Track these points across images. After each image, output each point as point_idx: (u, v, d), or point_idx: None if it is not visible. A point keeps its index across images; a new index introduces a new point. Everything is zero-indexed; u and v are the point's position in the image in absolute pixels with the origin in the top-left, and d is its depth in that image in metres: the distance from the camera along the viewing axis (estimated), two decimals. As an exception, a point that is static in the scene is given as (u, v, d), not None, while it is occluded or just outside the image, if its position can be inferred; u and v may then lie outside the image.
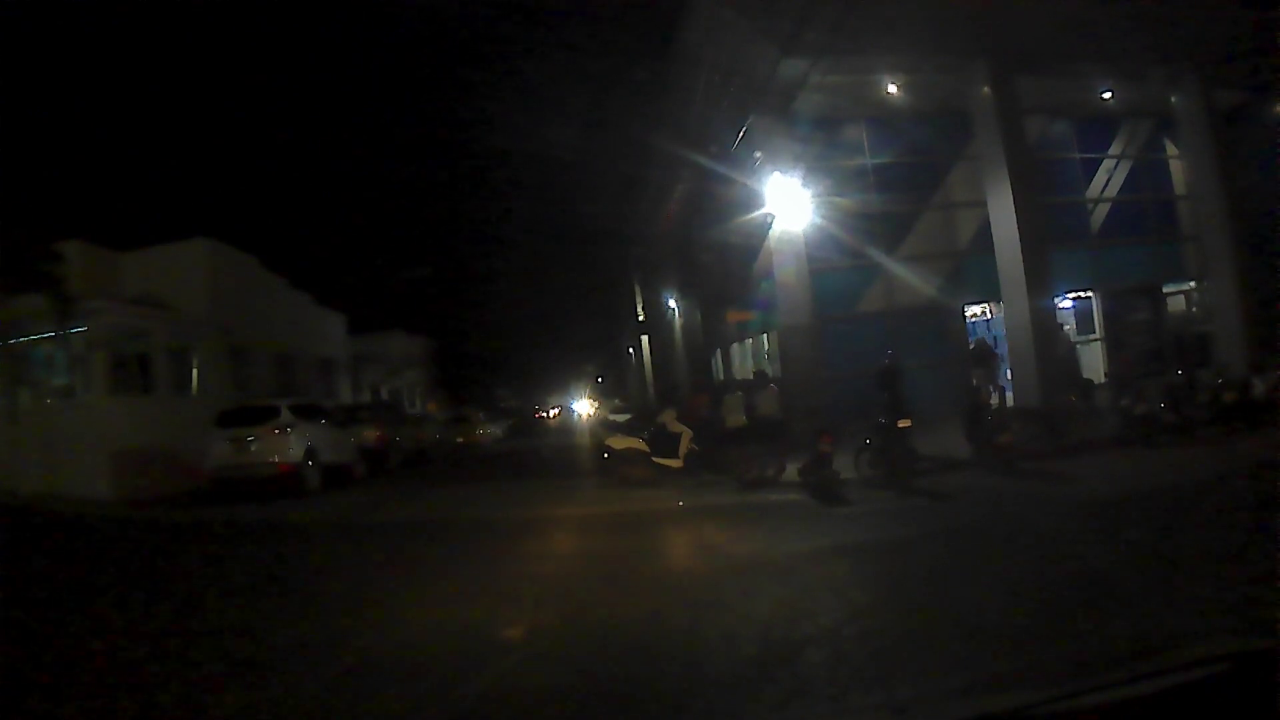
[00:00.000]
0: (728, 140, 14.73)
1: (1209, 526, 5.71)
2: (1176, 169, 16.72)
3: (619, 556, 6.90)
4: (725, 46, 14.37)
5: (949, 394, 12.29)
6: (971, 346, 13.71)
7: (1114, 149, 16.80)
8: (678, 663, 3.77)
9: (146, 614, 5.15)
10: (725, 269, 18.84)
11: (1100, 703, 1.33)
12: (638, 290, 31.99)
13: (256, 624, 4.88)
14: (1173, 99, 15.67)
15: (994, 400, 11.60)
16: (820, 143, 14.46)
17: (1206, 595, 4.02)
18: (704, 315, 22.34)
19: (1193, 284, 16.64)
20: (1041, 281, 13.39)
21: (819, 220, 13.58)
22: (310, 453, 12.22)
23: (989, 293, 14.59)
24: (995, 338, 14.90)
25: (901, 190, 15.12)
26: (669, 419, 12.01)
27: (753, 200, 14.08)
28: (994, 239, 13.74)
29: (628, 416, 20.11)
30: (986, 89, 13.57)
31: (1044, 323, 13.53)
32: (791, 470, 10.02)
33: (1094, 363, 15.43)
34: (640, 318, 32.15)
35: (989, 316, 15.66)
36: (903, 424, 9.56)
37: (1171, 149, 16.72)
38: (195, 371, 14.85)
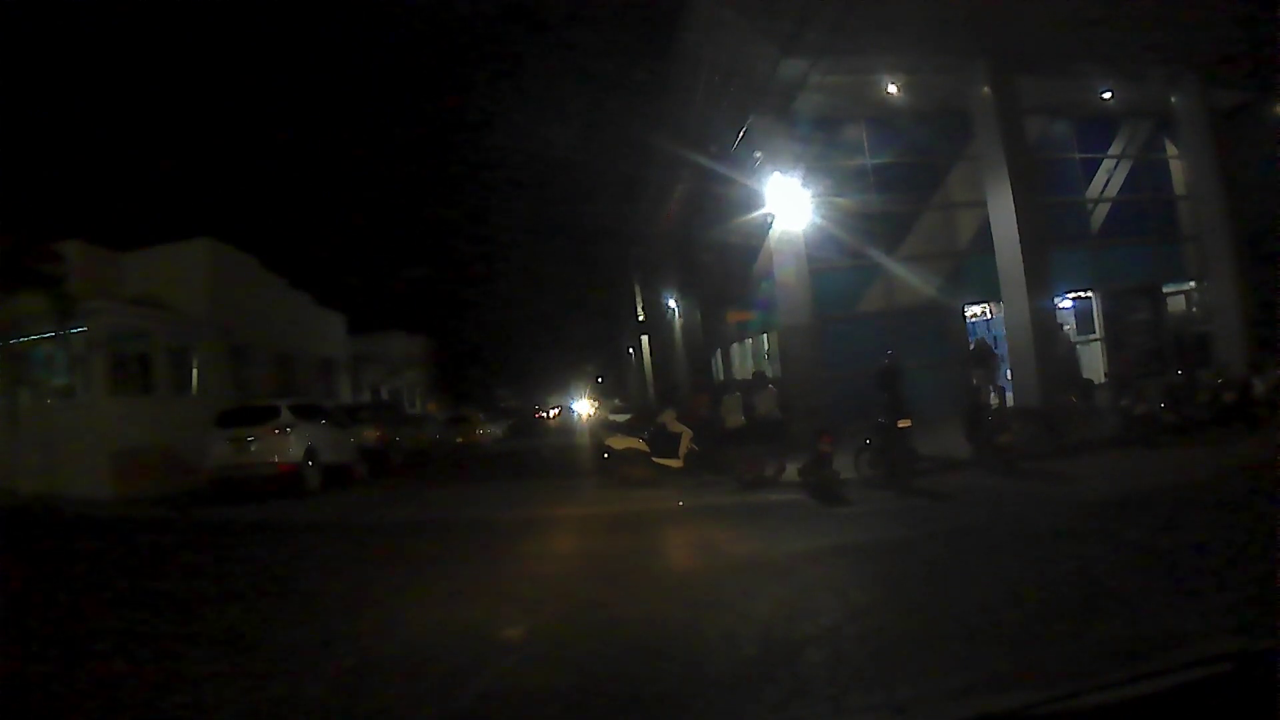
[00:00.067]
0: (728, 140, 14.73)
1: (1209, 526, 5.71)
2: (1176, 169, 16.72)
3: (619, 556, 6.90)
4: (725, 46, 14.36)
5: (949, 394, 12.29)
6: (971, 346, 13.69)
7: (1114, 149, 16.80)
8: (678, 663, 3.77)
9: (146, 614, 5.14)
10: (725, 269, 18.84)
11: (1100, 703, 1.32)
12: (638, 290, 32.00)
13: (257, 624, 4.88)
14: (1173, 99, 15.67)
15: (994, 400, 11.60)
16: (820, 143, 14.45)
17: (1206, 595, 4.02)
18: (704, 315, 22.34)
19: (1193, 284, 16.63)
20: (1041, 281, 13.39)
21: (819, 220, 13.57)
22: (310, 453, 12.21)
23: (989, 293, 14.59)
24: (995, 338, 14.89)
25: (901, 190, 15.12)
26: (669, 419, 12.01)
27: (753, 200, 14.07)
28: (994, 239, 13.74)
29: (628, 416, 20.10)
30: (986, 89, 13.57)
31: (1044, 323, 13.53)
32: (791, 470, 10.02)
33: (1094, 363, 15.42)
34: (640, 318, 32.16)
35: (989, 316, 15.66)
36: (903, 424, 9.56)
37: (1171, 149, 16.72)
38: (195, 371, 14.85)
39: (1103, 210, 16.58)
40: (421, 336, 34.77)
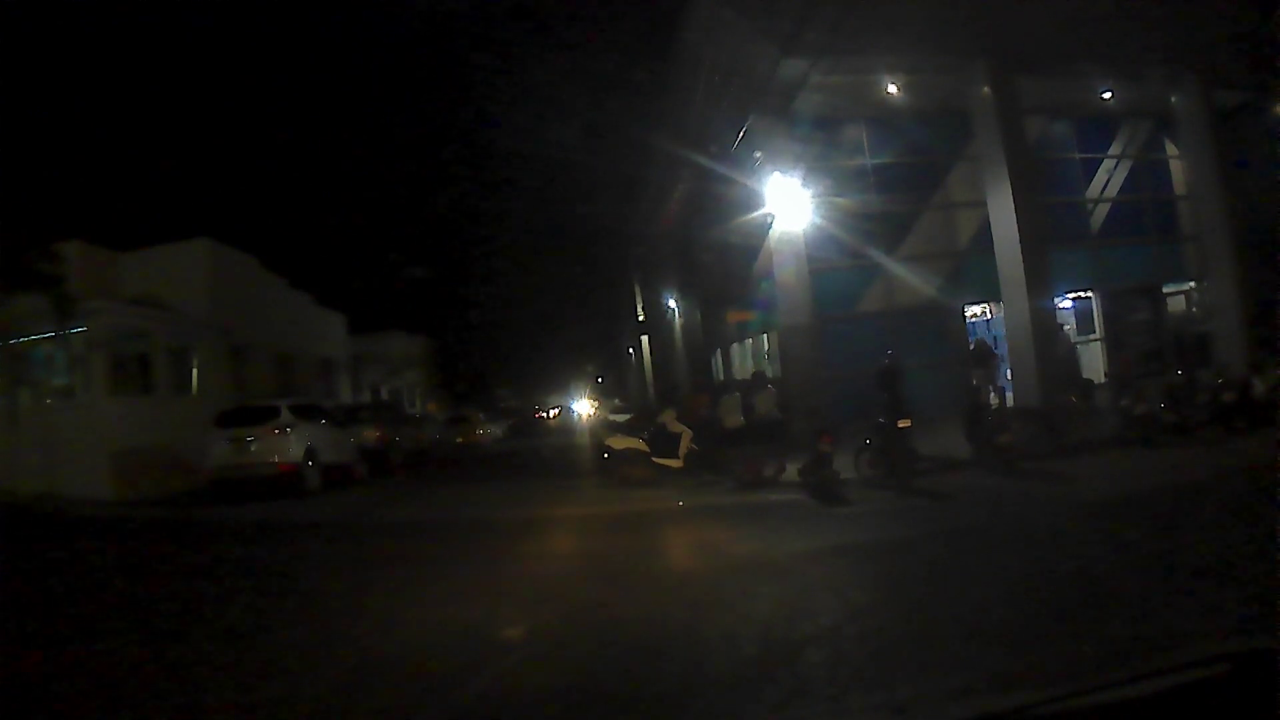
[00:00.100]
0: (728, 140, 14.73)
1: (1209, 526, 5.71)
2: (1176, 169, 16.71)
3: (619, 556, 6.90)
4: (725, 46, 14.37)
5: (949, 394, 12.29)
6: (971, 346, 13.69)
7: (1114, 149, 16.80)
8: (678, 663, 3.77)
9: (146, 614, 5.15)
10: (725, 269, 18.84)
11: (1100, 703, 1.32)
12: (638, 290, 32.00)
13: (256, 624, 4.88)
14: (1173, 99, 15.67)
15: (994, 400, 11.61)
16: (820, 143, 14.45)
17: (1206, 595, 4.02)
18: (704, 315, 22.33)
19: (1193, 284, 16.63)
20: (1041, 281, 13.40)
21: (819, 220, 13.57)
22: (310, 453, 12.21)
23: (989, 293, 14.59)
24: (995, 338, 14.89)
25: (901, 190, 15.11)
26: (669, 419, 12.01)
27: (753, 200, 14.07)
28: (994, 239, 13.74)
29: (628, 416, 20.10)
30: (986, 89, 13.57)
31: (1044, 323, 13.53)
32: (791, 470, 10.02)
33: (1094, 363, 15.43)
34: (640, 318, 32.16)
35: (989, 316, 15.66)
36: (903, 424, 9.55)
37: (1171, 149, 16.72)
38: (195, 371, 14.85)
39: (1103, 210, 16.57)
40: (421, 336, 34.75)
